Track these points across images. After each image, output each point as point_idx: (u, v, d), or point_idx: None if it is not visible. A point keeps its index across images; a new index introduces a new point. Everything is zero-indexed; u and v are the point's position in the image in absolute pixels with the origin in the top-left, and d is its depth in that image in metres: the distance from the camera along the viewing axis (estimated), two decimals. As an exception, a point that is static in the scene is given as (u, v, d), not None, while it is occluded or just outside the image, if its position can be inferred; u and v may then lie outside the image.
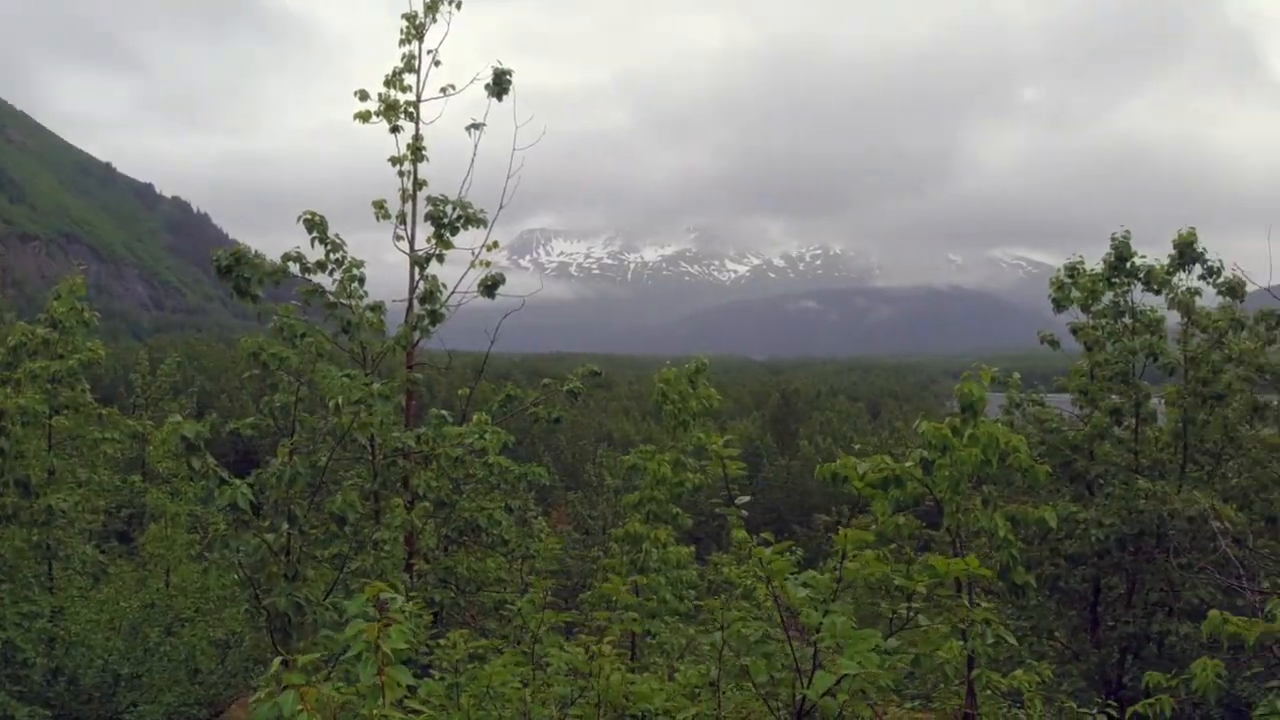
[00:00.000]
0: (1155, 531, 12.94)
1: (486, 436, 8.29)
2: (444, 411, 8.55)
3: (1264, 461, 14.05)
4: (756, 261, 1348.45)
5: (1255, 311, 13.93)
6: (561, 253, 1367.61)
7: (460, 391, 10.06)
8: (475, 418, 8.80)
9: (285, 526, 6.40)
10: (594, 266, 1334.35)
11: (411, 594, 8.74)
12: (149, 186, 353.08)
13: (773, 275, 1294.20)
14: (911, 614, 3.80)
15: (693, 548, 10.70)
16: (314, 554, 6.73)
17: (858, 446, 5.02)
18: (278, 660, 3.02)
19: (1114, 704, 6.89)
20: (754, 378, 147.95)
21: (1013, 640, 4.47)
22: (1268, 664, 6.97)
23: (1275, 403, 14.25)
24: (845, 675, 3.13)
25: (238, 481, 5.81)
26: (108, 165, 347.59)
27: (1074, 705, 9.55)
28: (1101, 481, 13.93)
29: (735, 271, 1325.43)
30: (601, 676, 4.07)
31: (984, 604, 4.77)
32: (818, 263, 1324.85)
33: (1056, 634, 14.45)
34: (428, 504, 8.93)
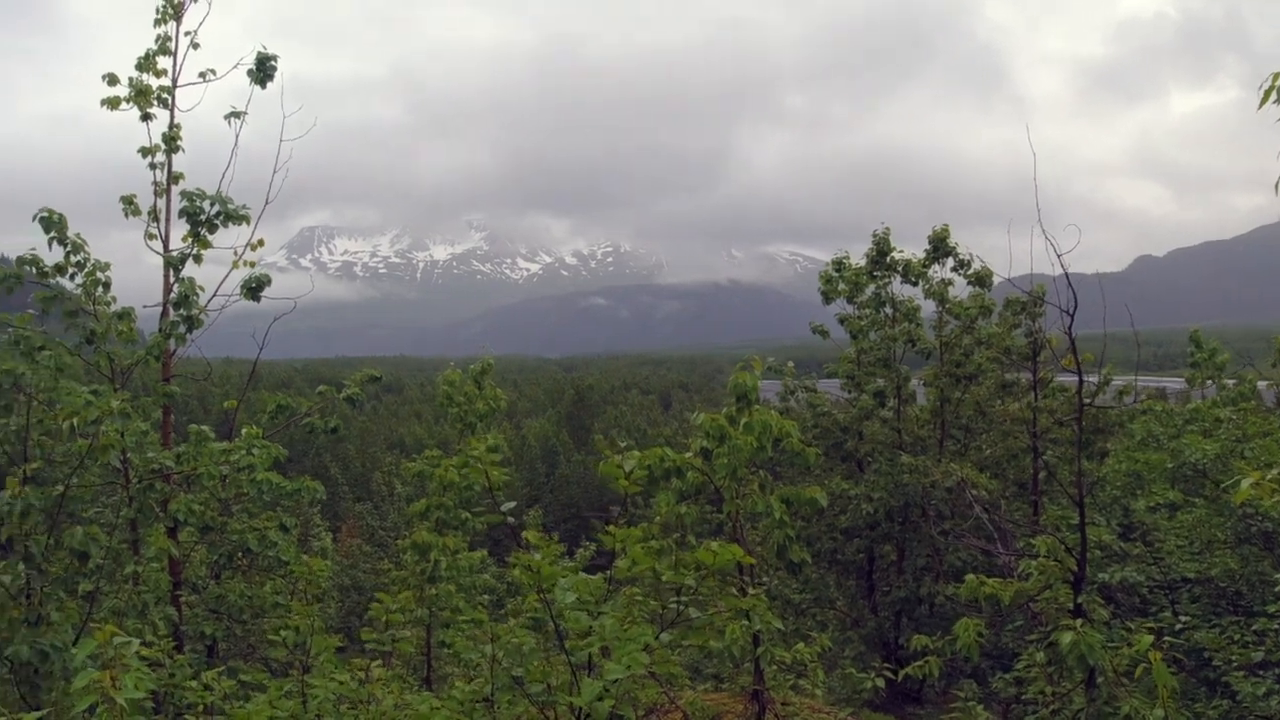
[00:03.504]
0: (919, 502, 13.95)
1: (254, 452, 7.71)
2: (205, 427, 7.91)
3: (1013, 433, 15.48)
4: (549, 259, 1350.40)
5: (1003, 299, 15.35)
6: (345, 251, 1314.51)
7: (227, 403, 9.35)
8: (244, 431, 8.20)
9: (21, 566, 5.70)
10: (380, 266, 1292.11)
11: (182, 628, 8.08)
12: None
13: (565, 273, 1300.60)
14: (682, 607, 3.83)
15: (484, 551, 10.54)
16: (58, 594, 6.02)
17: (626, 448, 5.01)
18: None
19: (890, 666, 7.32)
20: (548, 375, 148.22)
21: (779, 625, 4.62)
22: (1028, 617, 7.61)
23: (1021, 380, 15.72)
24: (614, 679, 3.10)
25: (-44, 521, 5.10)
26: None
27: (854, 670, 10.13)
28: (870, 459, 14.90)
29: (528, 270, 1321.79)
30: (372, 703, 3.85)
31: (752, 591, 4.90)
32: (609, 260, 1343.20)
33: (837, 603, 15.32)
34: (193, 529, 8.25)
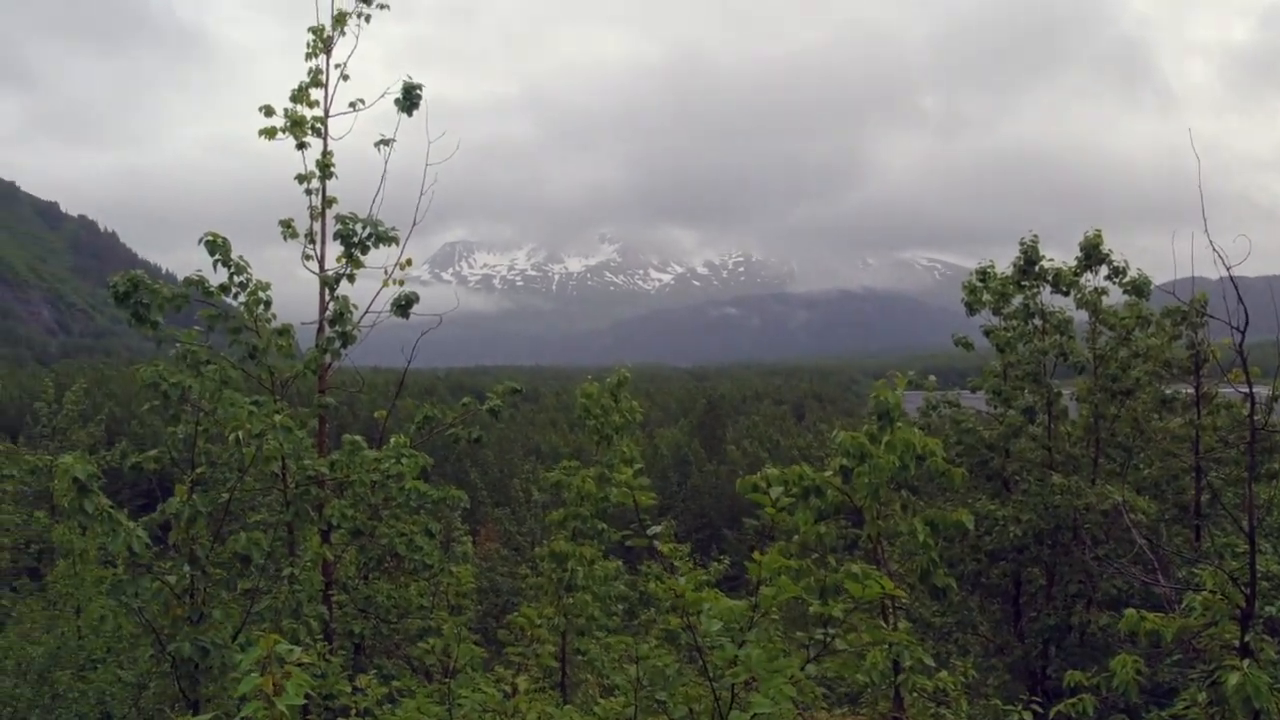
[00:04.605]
0: (1071, 525, 13.25)
1: (403, 461, 8.05)
2: (358, 437, 8.29)
3: (1173, 451, 14.48)
4: (680, 270, 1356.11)
5: (1160, 308, 14.38)
6: (485, 265, 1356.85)
7: (377, 413, 9.79)
8: (393, 440, 8.57)
9: (187, 568, 6.09)
10: (518, 278, 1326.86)
11: (331, 625, 8.48)
12: (53, 205, 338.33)
13: (696, 283, 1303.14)
14: (829, 639, 3.74)
15: (619, 561, 10.62)
16: (220, 594, 6.41)
17: (772, 468, 4.93)
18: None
19: (1039, 700, 6.97)
20: (680, 385, 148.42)
21: (929, 661, 4.46)
22: (1186, 652, 7.12)
23: (1182, 394, 14.70)
24: (762, 712, 3.06)
25: (131, 524, 5.48)
26: (11, 184, 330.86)
27: (999, 703, 9.69)
28: (1017, 478, 14.23)
29: (660, 280, 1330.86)
30: (516, 715, 3.93)
31: (902, 625, 4.75)
32: (740, 269, 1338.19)
33: (980, 628, 14.70)
34: (344, 532, 8.65)
